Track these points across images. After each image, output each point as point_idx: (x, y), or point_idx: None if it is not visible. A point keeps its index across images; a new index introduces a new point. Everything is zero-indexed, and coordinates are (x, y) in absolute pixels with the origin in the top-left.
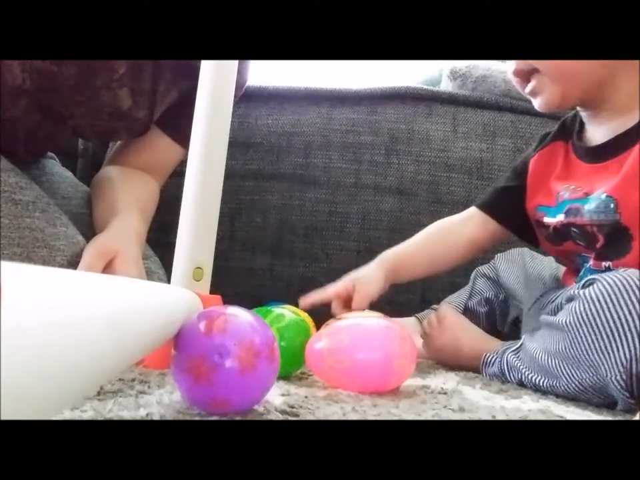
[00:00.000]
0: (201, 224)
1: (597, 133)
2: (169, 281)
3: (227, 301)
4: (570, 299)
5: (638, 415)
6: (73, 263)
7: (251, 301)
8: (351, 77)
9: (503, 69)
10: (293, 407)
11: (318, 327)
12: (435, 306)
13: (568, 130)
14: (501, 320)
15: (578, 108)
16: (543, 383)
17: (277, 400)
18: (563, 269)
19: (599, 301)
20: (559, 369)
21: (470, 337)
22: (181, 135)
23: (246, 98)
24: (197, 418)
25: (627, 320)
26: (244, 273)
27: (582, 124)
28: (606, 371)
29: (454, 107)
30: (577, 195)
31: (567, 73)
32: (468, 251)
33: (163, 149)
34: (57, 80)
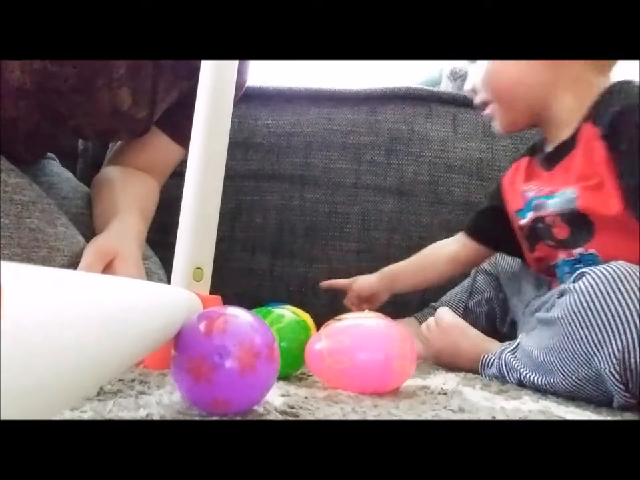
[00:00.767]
0: (200, 224)
1: (550, 145)
2: (169, 282)
3: (227, 301)
4: (562, 294)
5: None
6: (73, 263)
7: (251, 301)
8: (351, 77)
9: None
10: (292, 408)
11: (318, 327)
12: (434, 304)
13: (536, 149)
14: (501, 320)
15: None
16: (541, 381)
17: (277, 400)
18: None
19: (589, 293)
20: (554, 364)
21: (468, 340)
22: (181, 135)
23: (246, 98)
24: (197, 418)
25: (617, 311)
26: (244, 274)
27: (543, 140)
28: (600, 362)
29: (454, 107)
30: (542, 193)
31: (512, 100)
32: (449, 268)
33: (162, 149)
34: (57, 80)
